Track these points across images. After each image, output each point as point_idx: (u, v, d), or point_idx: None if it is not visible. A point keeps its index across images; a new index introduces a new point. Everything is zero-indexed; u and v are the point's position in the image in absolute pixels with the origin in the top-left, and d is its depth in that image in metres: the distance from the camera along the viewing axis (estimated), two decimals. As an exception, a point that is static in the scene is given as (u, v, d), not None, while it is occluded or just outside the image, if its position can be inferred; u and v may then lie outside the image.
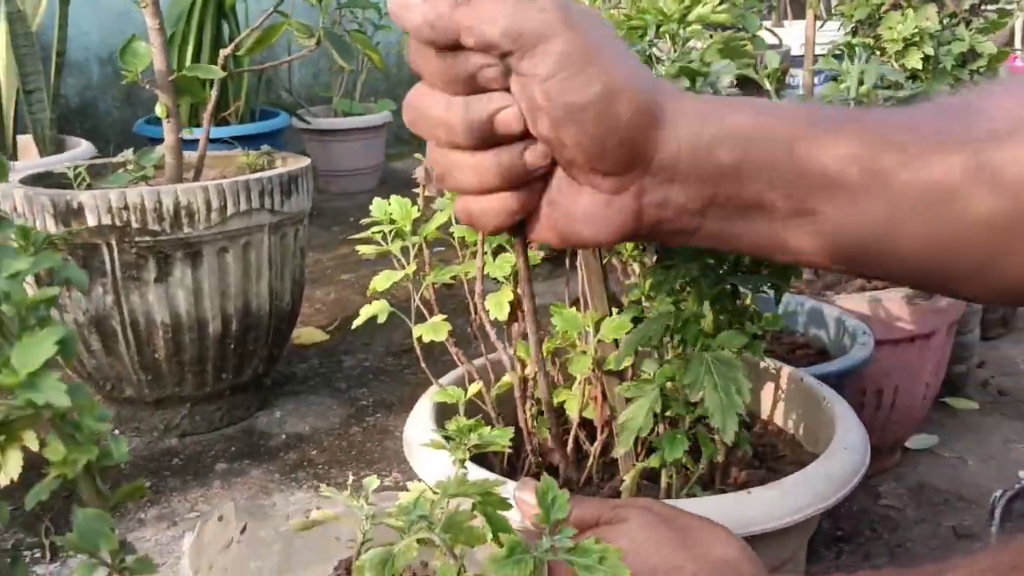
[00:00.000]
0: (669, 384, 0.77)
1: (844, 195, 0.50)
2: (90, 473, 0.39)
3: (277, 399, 1.66)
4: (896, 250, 0.51)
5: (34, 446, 0.42)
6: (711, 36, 0.93)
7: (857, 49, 0.98)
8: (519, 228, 0.55)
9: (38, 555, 1.21)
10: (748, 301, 0.87)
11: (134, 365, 1.42)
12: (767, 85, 1.09)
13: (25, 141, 2.33)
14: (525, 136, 0.51)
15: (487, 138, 0.50)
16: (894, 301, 1.25)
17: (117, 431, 1.51)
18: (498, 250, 0.86)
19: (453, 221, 0.92)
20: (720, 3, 1.05)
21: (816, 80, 1.48)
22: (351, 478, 0.72)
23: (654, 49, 0.85)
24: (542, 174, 0.53)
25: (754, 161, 0.50)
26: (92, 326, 1.39)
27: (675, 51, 0.78)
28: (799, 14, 3.67)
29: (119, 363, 1.42)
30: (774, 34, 2.86)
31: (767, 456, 0.92)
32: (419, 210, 0.93)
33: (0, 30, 2.23)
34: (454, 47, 0.48)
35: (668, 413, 0.79)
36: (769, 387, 0.96)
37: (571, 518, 0.64)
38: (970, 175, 0.48)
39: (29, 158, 2.30)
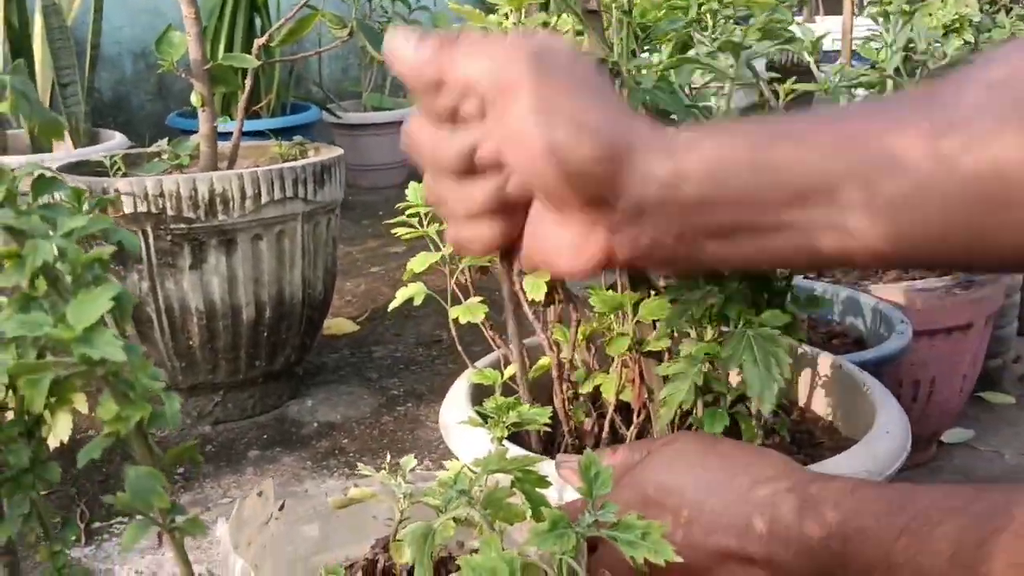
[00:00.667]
0: (709, 365, 0.76)
1: (818, 198, 0.50)
2: (142, 431, 0.39)
3: (308, 388, 1.67)
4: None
5: (83, 408, 0.42)
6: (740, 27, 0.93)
7: (892, 17, 0.97)
8: (505, 254, 0.59)
9: (74, 538, 1.22)
10: (786, 284, 0.87)
11: (168, 352, 1.43)
12: (808, 57, 1.08)
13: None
14: (503, 167, 0.54)
15: (470, 168, 0.54)
16: (931, 292, 1.23)
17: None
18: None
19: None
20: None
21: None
22: (389, 458, 0.72)
23: (692, 30, 0.84)
24: (524, 203, 0.55)
25: (721, 192, 0.51)
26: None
27: (715, 28, 0.78)
28: (831, 10, 3.64)
29: (154, 350, 1.43)
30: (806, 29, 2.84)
31: (804, 443, 0.91)
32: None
33: (36, 24, 2.26)
34: (439, 85, 0.52)
35: (707, 396, 0.79)
36: (807, 374, 0.95)
37: (619, 460, 0.65)
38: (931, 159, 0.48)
39: (64, 150, 2.32)
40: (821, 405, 0.94)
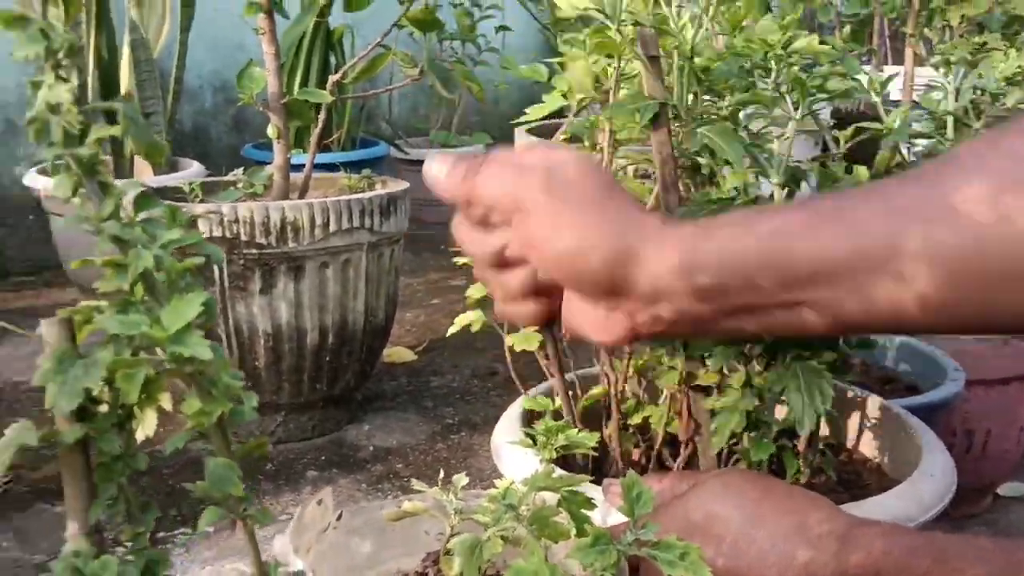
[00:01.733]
0: (757, 400, 0.78)
1: (834, 281, 0.53)
2: (221, 426, 0.43)
3: (366, 414, 1.71)
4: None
5: (168, 406, 0.47)
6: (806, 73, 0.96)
7: (954, 67, 0.98)
8: (547, 324, 0.69)
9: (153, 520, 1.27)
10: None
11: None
12: (875, 98, 1.10)
13: (141, 160, 2.47)
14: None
15: (503, 263, 0.63)
16: (988, 341, 1.23)
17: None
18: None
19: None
20: (821, 41, 1.07)
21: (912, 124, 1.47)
22: (441, 474, 0.76)
23: (755, 77, 0.87)
24: (557, 286, 0.64)
25: (735, 280, 0.56)
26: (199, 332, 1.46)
27: (779, 75, 0.80)
28: (899, 60, 3.63)
29: (221, 369, 1.49)
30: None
31: (851, 483, 0.92)
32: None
33: (124, 55, 2.37)
34: (470, 202, 0.62)
35: (754, 433, 0.81)
36: (856, 416, 0.97)
37: (666, 487, 0.68)
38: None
39: (144, 176, 2.43)
40: (869, 447, 0.95)
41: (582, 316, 0.64)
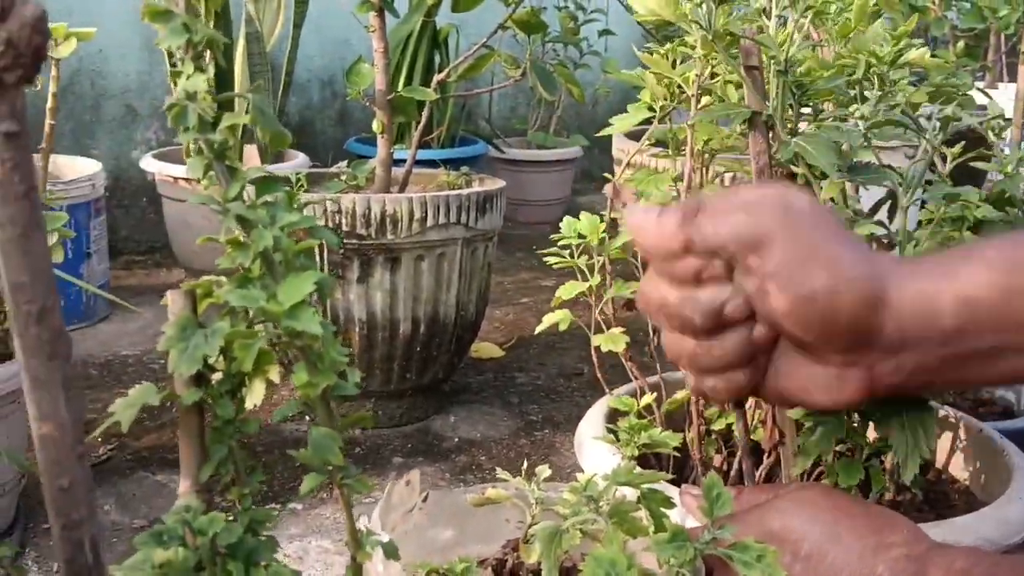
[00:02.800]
0: (847, 417, 0.78)
1: None
2: (326, 397, 0.46)
3: (452, 405, 1.74)
4: None
5: (276, 379, 0.50)
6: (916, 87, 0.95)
7: None
8: (743, 399, 0.65)
9: (231, 519, 1.33)
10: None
11: (329, 357, 1.54)
12: (991, 137, 1.08)
13: (250, 150, 2.56)
14: (749, 319, 0.58)
15: (718, 324, 0.57)
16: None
17: (308, 417, 1.64)
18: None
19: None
20: (933, 55, 1.05)
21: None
22: (525, 464, 0.78)
23: (857, 90, 0.87)
24: (768, 347, 0.59)
25: (978, 320, 0.54)
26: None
27: (882, 92, 0.80)
28: (1015, 77, 3.50)
29: (316, 354, 1.54)
30: (986, 95, 2.76)
31: (938, 504, 0.91)
32: (605, 229, 0.99)
33: (239, 48, 2.47)
34: (684, 252, 0.57)
35: (842, 447, 0.81)
36: (947, 436, 0.95)
37: (744, 499, 0.68)
38: None
39: (252, 164, 2.52)
40: (958, 468, 0.94)
41: (803, 378, 0.59)
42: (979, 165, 1.05)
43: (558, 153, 3.24)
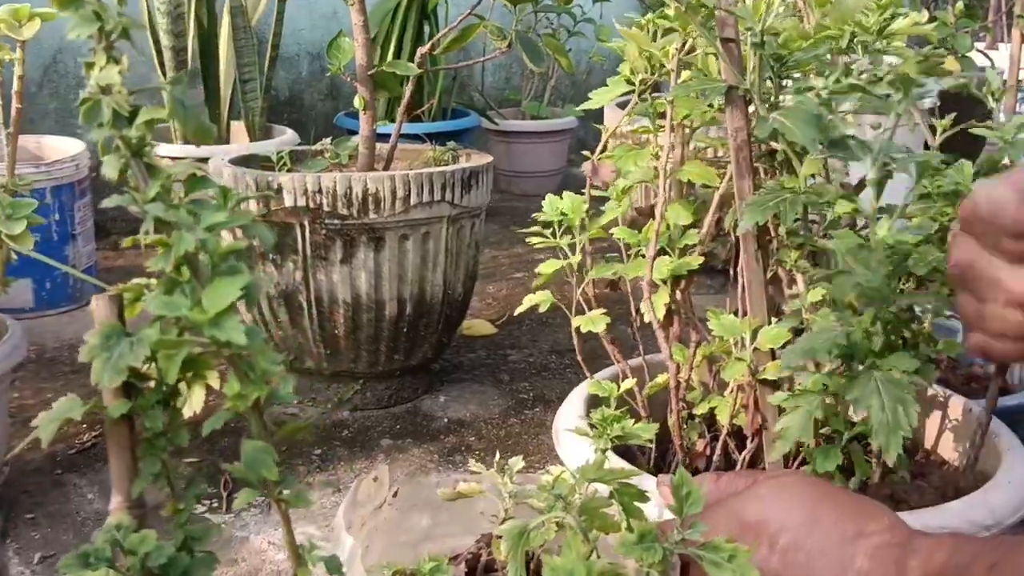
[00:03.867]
0: (828, 399, 0.75)
1: None
2: (259, 409, 0.43)
3: (442, 385, 1.72)
4: None
5: (216, 384, 0.47)
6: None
7: None
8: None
9: (216, 505, 1.31)
10: (925, 324, 0.85)
11: (315, 339, 1.51)
12: (991, 103, 1.04)
13: (238, 126, 2.52)
14: None
15: None
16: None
17: (295, 399, 1.62)
18: (659, 253, 0.87)
19: (618, 222, 0.94)
20: (929, 20, 1.01)
21: (1020, 106, 1.39)
22: (497, 457, 0.75)
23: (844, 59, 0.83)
24: None
25: None
26: (281, 299, 1.49)
27: (869, 63, 0.76)
28: (1018, 35, 3.44)
29: (302, 335, 1.52)
30: (986, 56, 2.71)
31: (927, 487, 0.89)
32: (586, 205, 0.96)
33: (223, 23, 2.43)
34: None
35: (824, 429, 0.78)
36: (935, 416, 0.93)
37: (723, 485, 0.66)
38: None
39: (240, 142, 2.49)
40: (948, 449, 0.91)
41: None
42: (976, 127, 1.01)
43: (553, 124, 3.20)
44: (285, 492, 0.44)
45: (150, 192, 0.41)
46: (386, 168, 1.60)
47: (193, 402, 0.47)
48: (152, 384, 0.45)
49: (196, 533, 0.44)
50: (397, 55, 2.63)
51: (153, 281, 0.45)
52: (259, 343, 0.42)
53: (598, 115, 2.71)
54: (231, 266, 0.43)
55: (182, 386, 0.46)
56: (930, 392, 0.92)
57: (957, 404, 0.91)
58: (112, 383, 0.41)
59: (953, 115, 1.03)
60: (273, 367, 0.42)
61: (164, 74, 2.36)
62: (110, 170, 0.41)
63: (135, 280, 0.46)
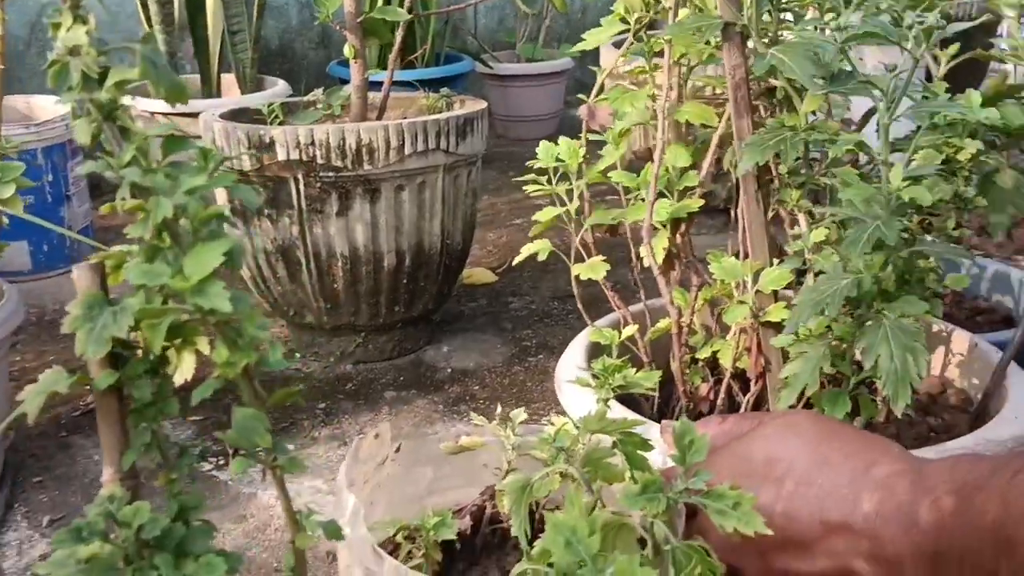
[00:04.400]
0: (835, 343, 0.74)
1: None
2: (249, 375, 0.42)
3: (445, 335, 1.72)
4: None
5: (206, 350, 0.46)
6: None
7: None
8: None
9: (222, 463, 1.31)
10: (931, 259, 0.83)
11: (315, 293, 1.50)
12: (1010, 13, 1.01)
13: (228, 79, 2.49)
14: None
15: None
16: (1096, 270, 1.15)
17: (298, 355, 1.61)
18: (658, 196, 0.86)
19: (617, 166, 0.93)
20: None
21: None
22: (499, 409, 0.75)
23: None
24: None
25: None
26: (279, 255, 1.48)
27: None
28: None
29: (302, 291, 1.51)
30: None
31: (935, 423, 0.88)
32: (583, 150, 0.94)
33: (210, -26, 2.37)
34: None
35: (831, 371, 0.77)
36: (940, 351, 0.92)
37: (729, 427, 0.65)
38: None
39: (231, 95, 2.45)
40: (955, 383, 0.90)
41: None
42: (976, 55, 0.98)
43: (549, 65, 3.15)
44: (279, 458, 0.43)
45: (125, 156, 0.39)
46: (379, 118, 1.57)
47: (183, 370, 0.46)
48: (140, 353, 0.45)
49: (191, 502, 0.43)
50: (387, 1, 2.57)
51: (135, 248, 0.44)
52: (246, 308, 0.41)
53: (594, 56, 2.67)
54: (213, 231, 0.41)
55: (171, 354, 0.45)
56: (935, 327, 0.91)
57: (961, 338, 0.90)
58: (96, 355, 0.40)
59: (956, 44, 1.00)
60: (262, 332, 0.41)
61: (151, 28, 2.32)
62: (82, 135, 0.39)
63: (116, 247, 0.45)
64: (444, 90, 1.71)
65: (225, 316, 0.39)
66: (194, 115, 1.71)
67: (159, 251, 0.42)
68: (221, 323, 0.41)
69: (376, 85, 1.61)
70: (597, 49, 2.45)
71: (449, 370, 1.59)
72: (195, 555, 0.43)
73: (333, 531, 0.44)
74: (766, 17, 0.76)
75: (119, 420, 0.44)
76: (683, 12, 0.84)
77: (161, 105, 2.25)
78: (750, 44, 0.74)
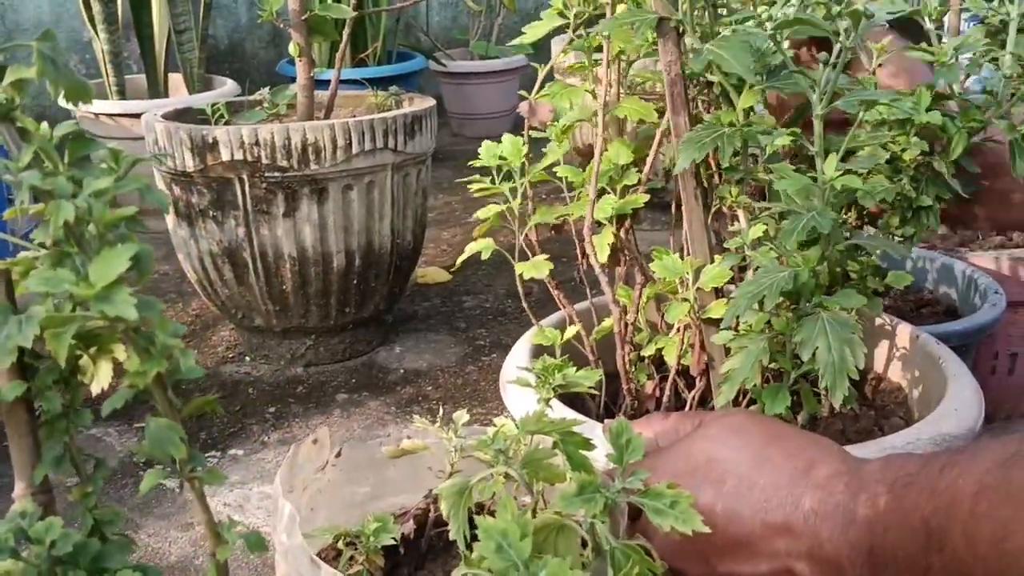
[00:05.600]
0: (775, 337, 0.74)
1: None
2: (161, 384, 0.41)
3: (398, 335, 1.70)
4: None
5: (123, 358, 0.45)
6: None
7: None
8: None
9: (169, 469, 1.29)
10: (873, 256, 0.84)
11: (263, 295, 1.48)
12: (928, 24, 1.01)
13: (176, 79, 2.45)
14: None
15: None
16: (1036, 261, 1.17)
17: (247, 358, 1.59)
18: (601, 192, 0.85)
19: (561, 163, 0.92)
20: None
21: (964, 25, 1.37)
22: (442, 412, 0.74)
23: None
24: None
25: None
26: (225, 256, 1.46)
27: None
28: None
29: (249, 293, 1.49)
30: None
31: (879, 417, 0.89)
32: (526, 147, 0.93)
33: (155, -28, 2.33)
34: None
35: (771, 365, 0.77)
36: (884, 344, 0.92)
37: (670, 427, 0.65)
38: None
39: (179, 95, 2.41)
40: (897, 376, 0.91)
41: None
42: (914, 54, 0.98)
43: (502, 63, 3.14)
44: (198, 470, 0.42)
45: (23, 159, 0.38)
46: (327, 116, 1.55)
47: (100, 378, 0.45)
48: (50, 363, 0.43)
49: (106, 517, 0.42)
50: (337, -2, 2.55)
51: (43, 254, 0.43)
52: (157, 315, 0.39)
53: (547, 52, 2.65)
54: (119, 235, 0.40)
55: (86, 362, 0.44)
56: (878, 321, 0.91)
57: (904, 331, 0.91)
58: (2, 365, 0.39)
59: (888, 39, 1.01)
60: (174, 340, 0.40)
61: (95, 28, 2.28)
62: (-23, 137, 0.38)
63: (23, 253, 0.43)
64: (393, 88, 1.70)
65: (133, 324, 0.38)
66: (139, 116, 1.68)
67: (66, 257, 0.40)
68: (131, 331, 0.39)
69: (325, 84, 1.60)
70: (550, 46, 2.44)
71: (402, 371, 1.58)
72: (112, 571, 0.41)
73: (255, 543, 0.43)
74: (702, 13, 0.75)
75: (30, 433, 0.42)
76: (620, 7, 0.84)
77: (102, 106, 2.21)
78: (687, 40, 0.74)
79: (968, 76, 0.91)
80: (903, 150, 0.85)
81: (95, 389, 0.45)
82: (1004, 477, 0.46)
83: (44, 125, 0.40)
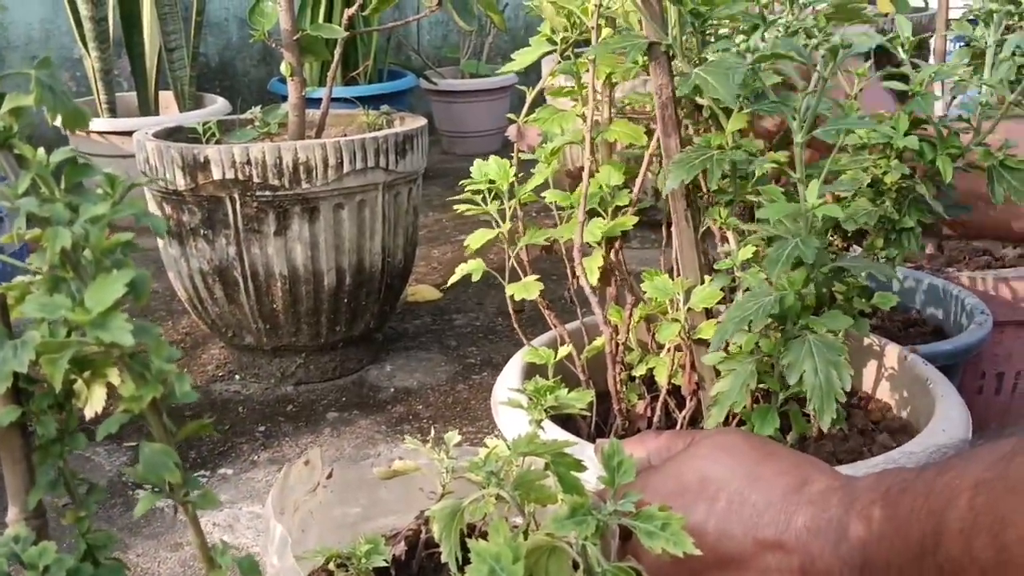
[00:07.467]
0: (764, 359, 0.75)
1: None
2: (156, 409, 0.41)
3: (388, 354, 1.70)
4: None
5: (117, 382, 0.45)
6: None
7: (995, 16, 0.90)
8: None
9: (159, 489, 1.28)
10: (859, 278, 0.84)
11: (253, 314, 1.48)
12: (901, 54, 1.03)
13: (167, 97, 2.45)
14: None
15: None
16: (1020, 281, 1.18)
17: (237, 376, 1.59)
18: (591, 213, 0.86)
19: (549, 185, 0.93)
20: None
21: (950, 47, 1.39)
22: (433, 432, 0.74)
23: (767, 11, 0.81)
24: None
25: None
26: (216, 275, 1.46)
27: (790, 14, 0.74)
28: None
29: (240, 311, 1.49)
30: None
31: (866, 438, 0.89)
32: (514, 168, 0.94)
33: (146, -10, 2.34)
34: None
35: (760, 386, 0.78)
36: (872, 365, 0.93)
37: (661, 446, 0.65)
38: None
39: (170, 112, 2.42)
40: (886, 396, 0.92)
41: None
42: (890, 85, 1.00)
43: (492, 81, 3.16)
44: (192, 494, 0.42)
45: (21, 186, 0.38)
46: (318, 135, 1.56)
47: (94, 402, 0.45)
48: (45, 387, 0.43)
49: (99, 541, 0.42)
50: (328, 18, 2.57)
51: (40, 278, 0.43)
52: (152, 340, 0.40)
53: (538, 71, 2.66)
54: (116, 260, 0.40)
55: (80, 387, 0.44)
56: (866, 341, 0.92)
57: (892, 352, 0.91)
58: (-3, 390, 0.39)
59: (869, 64, 1.02)
60: (169, 366, 0.40)
61: (86, 46, 2.28)
62: (-25, 164, 0.38)
63: (19, 278, 0.43)
64: (384, 107, 1.70)
65: (129, 349, 0.38)
66: (130, 133, 1.68)
67: (62, 282, 0.40)
68: (127, 356, 0.39)
69: (316, 102, 1.60)
70: (540, 65, 2.46)
71: (392, 389, 1.58)
72: (104, 596, 0.41)
73: (249, 567, 0.43)
74: (691, 39, 0.76)
75: (24, 458, 0.42)
76: (606, 31, 0.85)
77: (94, 123, 2.21)
78: (677, 64, 0.74)
79: (954, 98, 0.92)
80: (884, 173, 0.86)
81: (89, 413, 0.45)
82: (1002, 472, 0.47)
83: (41, 151, 0.41)
